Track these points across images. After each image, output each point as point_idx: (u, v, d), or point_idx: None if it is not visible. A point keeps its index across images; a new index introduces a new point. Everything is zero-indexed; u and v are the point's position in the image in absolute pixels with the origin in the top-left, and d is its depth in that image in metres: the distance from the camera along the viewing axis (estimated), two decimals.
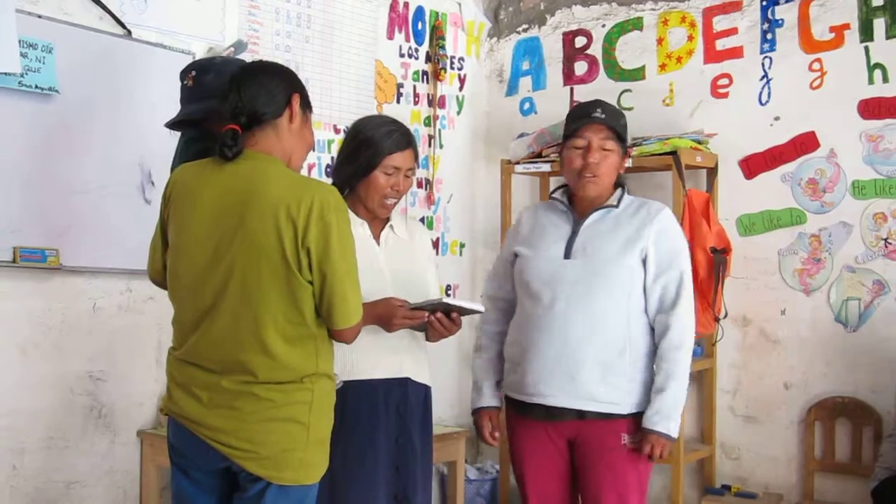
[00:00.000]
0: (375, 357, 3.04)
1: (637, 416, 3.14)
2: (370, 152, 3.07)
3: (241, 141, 2.55)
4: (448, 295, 5.46)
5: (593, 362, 3.10)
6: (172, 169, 2.94)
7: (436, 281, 3.28)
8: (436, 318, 2.99)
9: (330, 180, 3.22)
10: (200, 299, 2.54)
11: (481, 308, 3.13)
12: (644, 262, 3.15)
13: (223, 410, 2.52)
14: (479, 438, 3.43)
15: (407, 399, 3.14)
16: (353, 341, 2.67)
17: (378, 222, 3.18)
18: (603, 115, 3.20)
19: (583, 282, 3.13)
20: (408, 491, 3.12)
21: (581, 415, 3.14)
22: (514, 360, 3.28)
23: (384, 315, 2.94)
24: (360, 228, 3.07)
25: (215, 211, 2.53)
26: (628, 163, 3.39)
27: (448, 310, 3.01)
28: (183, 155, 3.00)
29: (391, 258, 3.14)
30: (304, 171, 4.58)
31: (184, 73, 3.07)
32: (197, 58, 4.03)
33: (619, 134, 3.21)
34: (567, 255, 3.18)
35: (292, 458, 2.53)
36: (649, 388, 3.13)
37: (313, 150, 4.64)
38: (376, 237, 3.16)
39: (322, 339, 2.60)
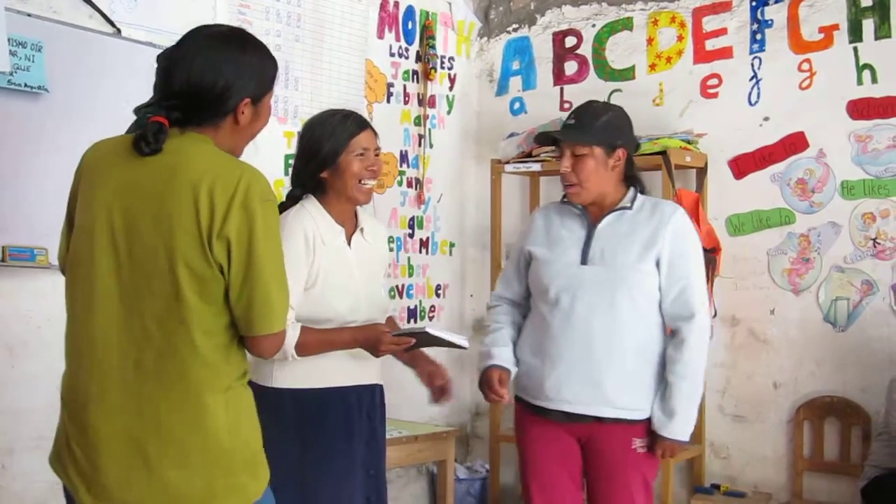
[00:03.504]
0: (351, 365, 3.03)
1: (647, 421, 3.18)
2: (332, 140, 3.01)
3: (164, 139, 2.17)
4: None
5: (617, 369, 3.12)
6: None
7: (385, 287, 3.27)
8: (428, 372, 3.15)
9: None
10: (103, 292, 2.18)
11: (465, 343, 3.09)
12: (658, 264, 3.15)
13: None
14: (485, 394, 3.36)
15: (375, 403, 3.15)
16: (272, 356, 2.32)
17: (350, 225, 3.11)
18: (573, 122, 3.22)
19: (604, 288, 3.13)
20: (380, 491, 3.14)
21: (600, 419, 3.16)
22: (531, 364, 3.27)
23: (371, 340, 2.93)
24: (338, 238, 3.03)
25: (128, 190, 2.17)
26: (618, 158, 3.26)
27: (429, 341, 3.00)
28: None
29: (361, 264, 3.09)
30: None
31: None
32: None
33: (590, 138, 3.16)
34: (584, 260, 3.18)
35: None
36: (665, 390, 3.15)
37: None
38: (348, 241, 3.09)
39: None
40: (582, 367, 3.13)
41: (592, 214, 3.24)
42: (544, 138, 3.34)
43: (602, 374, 3.12)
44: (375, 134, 3.13)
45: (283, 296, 2.21)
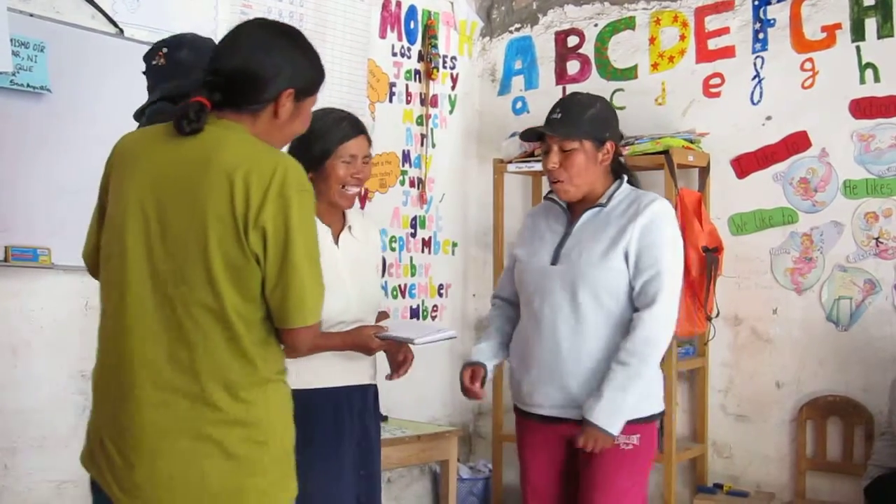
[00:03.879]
0: (342, 365, 3.01)
1: (639, 420, 3.03)
2: (323, 143, 2.96)
3: (205, 118, 2.14)
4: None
5: (583, 371, 3.00)
6: None
7: (380, 285, 3.25)
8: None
9: None
10: (136, 283, 2.13)
11: (454, 333, 3.12)
12: (626, 258, 3.00)
13: None
14: (462, 391, 3.30)
15: (367, 403, 3.13)
16: (306, 350, 2.31)
17: (337, 224, 3.08)
18: (559, 116, 3.08)
19: (567, 288, 3.03)
20: (370, 492, 3.12)
21: (576, 422, 3.02)
22: (514, 368, 3.24)
23: (359, 345, 2.91)
24: (325, 238, 2.98)
25: (160, 178, 2.13)
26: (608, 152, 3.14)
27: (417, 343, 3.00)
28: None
29: (348, 259, 3.06)
30: None
31: (151, 53, 2.84)
32: None
33: (578, 132, 3.04)
34: (554, 260, 3.08)
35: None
36: (642, 392, 2.99)
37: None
38: (335, 240, 3.07)
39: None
40: (550, 369, 3.05)
41: (573, 212, 3.14)
42: (530, 134, 3.20)
43: (568, 377, 3.02)
44: (369, 140, 3.08)
45: (318, 288, 2.17)
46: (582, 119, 3.05)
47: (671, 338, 3.06)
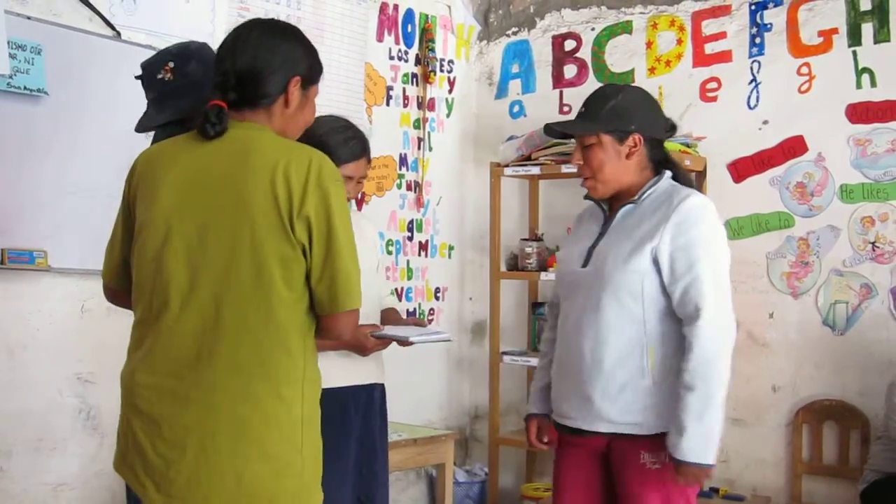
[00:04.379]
0: (346, 365, 3.02)
1: (660, 436, 2.77)
2: None
3: (227, 118, 2.22)
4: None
5: (606, 380, 2.79)
6: None
7: (383, 279, 3.26)
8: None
9: None
10: (177, 283, 2.17)
11: (449, 337, 3.13)
12: (656, 261, 2.77)
13: None
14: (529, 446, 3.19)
15: (372, 402, 3.14)
16: (349, 335, 2.35)
17: None
18: (583, 110, 2.94)
19: (592, 292, 2.84)
20: (371, 490, 3.13)
21: (602, 434, 2.85)
22: (552, 377, 3.05)
23: (355, 344, 2.94)
24: None
25: (197, 179, 2.19)
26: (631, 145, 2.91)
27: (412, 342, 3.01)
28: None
29: None
30: None
31: (155, 65, 2.77)
32: None
33: (595, 125, 2.87)
34: (585, 262, 2.90)
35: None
36: (675, 402, 2.74)
37: None
38: None
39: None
40: (575, 379, 2.87)
41: (613, 210, 2.93)
42: (550, 130, 3.06)
43: (589, 388, 2.82)
44: (368, 162, 3.13)
45: (358, 272, 2.23)
46: (600, 112, 2.87)
47: (732, 345, 2.82)
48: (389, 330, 3.00)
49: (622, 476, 2.84)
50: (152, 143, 2.75)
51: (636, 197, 2.87)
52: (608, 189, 2.90)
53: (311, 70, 2.35)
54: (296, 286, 2.16)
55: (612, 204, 2.95)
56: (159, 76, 2.75)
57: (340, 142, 3.03)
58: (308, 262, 2.15)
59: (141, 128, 2.79)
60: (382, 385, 3.21)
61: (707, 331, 2.72)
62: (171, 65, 2.73)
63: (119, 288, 2.43)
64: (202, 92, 2.42)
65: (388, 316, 3.25)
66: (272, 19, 2.45)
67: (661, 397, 2.78)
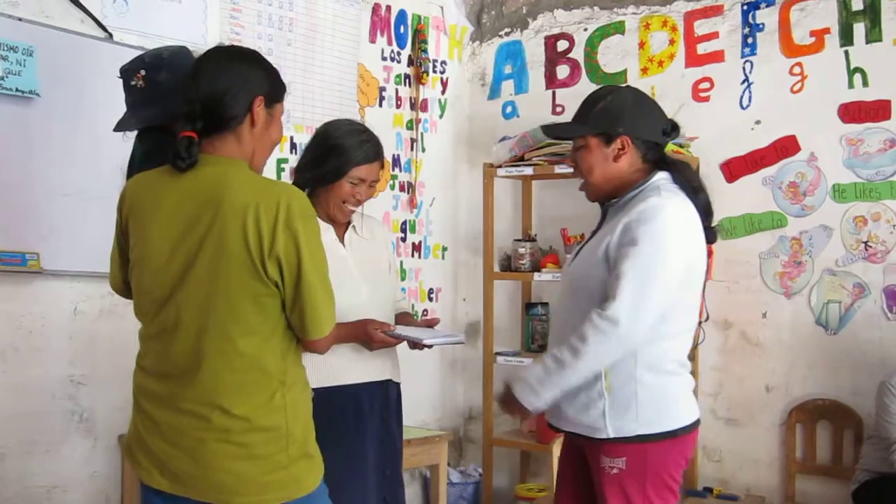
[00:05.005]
0: (358, 361, 3.04)
1: (622, 441, 2.74)
2: (339, 161, 3.04)
3: (196, 151, 2.33)
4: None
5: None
6: (128, 177, 2.74)
7: (397, 281, 3.27)
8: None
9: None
10: (166, 314, 2.35)
11: (462, 339, 3.17)
12: (607, 259, 2.72)
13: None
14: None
15: (388, 401, 3.16)
16: (325, 352, 2.50)
17: (339, 225, 3.16)
18: (577, 112, 2.93)
19: (564, 294, 2.90)
20: (396, 492, 3.16)
21: (571, 433, 2.86)
22: None
23: (361, 337, 2.97)
24: (326, 234, 3.00)
25: (179, 220, 2.33)
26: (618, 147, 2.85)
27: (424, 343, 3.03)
28: (142, 166, 2.62)
29: (358, 259, 3.14)
30: (282, 173, 4.59)
31: (129, 72, 2.81)
32: None
33: (583, 128, 2.86)
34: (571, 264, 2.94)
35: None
36: (636, 411, 2.72)
37: (293, 153, 4.66)
38: (340, 239, 3.15)
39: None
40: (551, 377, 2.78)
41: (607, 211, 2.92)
42: (547, 131, 3.09)
43: None
44: (382, 164, 3.17)
45: (330, 303, 2.37)
46: (588, 115, 2.87)
47: (621, 350, 2.68)
48: (402, 330, 3.03)
49: (595, 475, 2.82)
50: (133, 149, 2.87)
51: (619, 199, 2.83)
52: (598, 192, 2.89)
53: (273, 89, 2.44)
54: (270, 315, 2.33)
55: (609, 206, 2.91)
56: (132, 82, 2.80)
57: (355, 144, 3.07)
58: (281, 295, 2.31)
59: (118, 128, 2.86)
60: (398, 384, 3.23)
61: (594, 320, 2.64)
62: (143, 73, 2.78)
63: (126, 296, 2.60)
64: (172, 102, 2.48)
65: (401, 321, 3.26)
66: (232, 45, 2.56)
67: (614, 403, 2.74)
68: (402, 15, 5.37)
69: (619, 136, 2.82)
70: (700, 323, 4.56)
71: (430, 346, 3.06)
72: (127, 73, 2.83)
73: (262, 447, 2.32)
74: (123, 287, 2.58)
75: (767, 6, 4.80)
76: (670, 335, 2.76)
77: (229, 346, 2.30)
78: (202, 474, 2.31)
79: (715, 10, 4.95)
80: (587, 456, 2.86)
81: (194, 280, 2.30)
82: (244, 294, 2.28)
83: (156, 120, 2.74)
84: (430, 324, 3.31)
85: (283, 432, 2.34)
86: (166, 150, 2.40)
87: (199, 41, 4.27)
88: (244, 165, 2.38)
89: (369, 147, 3.10)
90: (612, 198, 2.87)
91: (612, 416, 2.74)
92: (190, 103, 2.35)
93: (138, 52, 3.98)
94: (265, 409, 2.33)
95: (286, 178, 4.54)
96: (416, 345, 3.06)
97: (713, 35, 4.95)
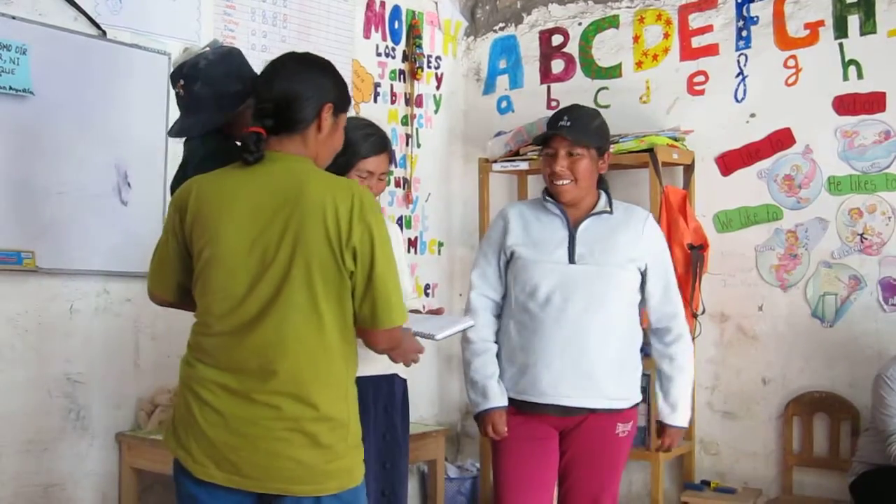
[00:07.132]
0: (365, 354, 3.03)
1: (635, 406, 3.37)
2: (346, 154, 3.02)
3: (264, 146, 2.45)
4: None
5: (610, 362, 3.24)
6: (177, 179, 2.83)
7: (410, 282, 3.27)
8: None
9: None
10: (244, 310, 2.41)
11: (472, 322, 3.26)
12: (642, 268, 3.30)
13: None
14: (485, 432, 3.37)
15: (393, 395, 3.17)
16: (388, 349, 2.58)
17: None
18: (569, 123, 3.24)
19: (596, 286, 3.22)
20: (395, 486, 3.17)
21: (593, 410, 3.26)
22: (522, 362, 3.28)
23: (399, 355, 2.94)
24: None
25: (256, 216, 2.41)
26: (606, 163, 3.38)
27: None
28: (200, 168, 2.69)
29: None
30: None
31: (173, 80, 2.92)
32: (172, 59, 4.02)
33: (589, 139, 3.24)
34: (572, 259, 3.24)
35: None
36: (666, 384, 3.40)
37: None
38: None
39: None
40: (578, 361, 3.20)
41: (572, 217, 3.29)
42: (542, 138, 3.33)
43: (596, 368, 3.22)
44: (391, 158, 3.19)
45: (400, 293, 2.48)
46: (590, 127, 3.27)
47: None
48: (414, 325, 3.02)
49: (598, 444, 3.30)
50: (188, 151, 2.91)
51: (608, 209, 3.31)
52: (580, 194, 3.28)
53: (341, 99, 2.56)
54: (346, 308, 2.42)
55: (566, 210, 3.29)
56: (175, 90, 2.89)
57: (362, 137, 3.09)
58: (352, 285, 2.40)
59: (172, 133, 2.94)
60: (405, 380, 3.26)
61: (685, 324, 3.45)
62: (182, 83, 2.86)
63: (173, 300, 2.65)
64: (206, 112, 2.68)
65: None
66: (306, 53, 2.66)
67: (639, 375, 3.39)
68: (396, 10, 5.37)
69: (607, 153, 3.34)
70: (696, 316, 4.59)
71: (439, 339, 3.06)
72: (172, 79, 2.93)
73: (326, 435, 2.40)
74: (176, 291, 2.59)
75: None
76: None
77: (310, 338, 2.39)
78: (266, 462, 2.38)
79: (709, 4, 4.94)
80: (589, 428, 3.28)
81: (274, 273, 2.38)
82: (324, 286, 2.37)
83: (193, 130, 2.85)
84: (437, 312, 3.32)
85: (345, 421, 2.44)
86: (229, 151, 2.58)
87: (193, 38, 4.26)
88: (312, 163, 2.50)
89: (375, 139, 3.12)
90: (571, 202, 3.29)
91: (636, 385, 3.37)
92: (262, 101, 2.47)
93: (132, 50, 4.04)
94: (334, 398, 2.43)
95: None
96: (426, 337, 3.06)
97: (707, 28, 4.95)
